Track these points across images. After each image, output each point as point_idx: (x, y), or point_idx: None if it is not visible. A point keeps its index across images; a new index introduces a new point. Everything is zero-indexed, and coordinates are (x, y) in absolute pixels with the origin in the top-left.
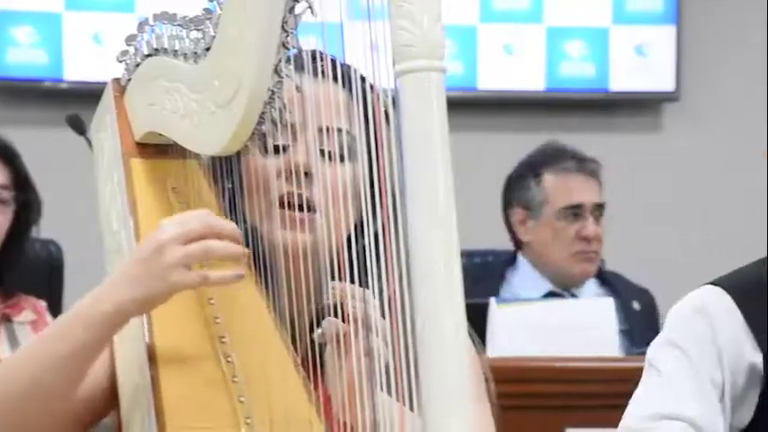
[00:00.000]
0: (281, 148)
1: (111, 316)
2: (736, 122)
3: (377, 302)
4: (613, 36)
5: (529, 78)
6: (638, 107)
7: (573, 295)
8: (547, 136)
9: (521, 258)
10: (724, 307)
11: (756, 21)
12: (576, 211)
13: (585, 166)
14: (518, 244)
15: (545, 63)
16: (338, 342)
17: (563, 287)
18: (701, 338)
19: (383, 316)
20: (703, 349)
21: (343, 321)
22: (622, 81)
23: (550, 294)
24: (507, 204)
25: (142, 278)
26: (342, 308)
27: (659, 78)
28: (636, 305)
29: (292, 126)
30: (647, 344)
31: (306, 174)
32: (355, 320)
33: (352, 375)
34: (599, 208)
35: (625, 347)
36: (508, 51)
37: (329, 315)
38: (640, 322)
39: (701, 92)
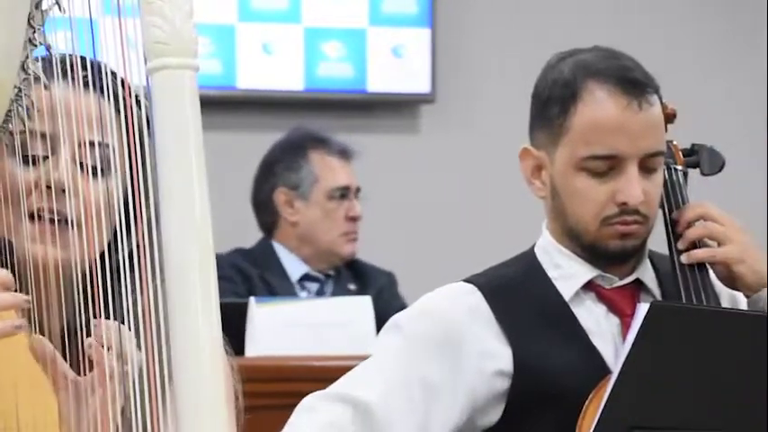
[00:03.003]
0: (32, 159)
1: None
2: (490, 124)
3: (131, 319)
4: (370, 37)
5: (288, 78)
6: (396, 108)
7: (327, 275)
8: (321, 130)
9: (275, 247)
10: (474, 304)
11: (509, 22)
12: (343, 192)
13: (346, 150)
14: (270, 229)
15: (303, 63)
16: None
17: (321, 269)
18: (431, 336)
19: (136, 328)
20: (429, 347)
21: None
22: (380, 82)
23: (306, 277)
24: (269, 186)
25: None
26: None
27: (415, 80)
28: (352, 286)
29: (46, 137)
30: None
31: (62, 190)
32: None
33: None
34: (358, 191)
35: None
36: (267, 51)
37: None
38: None
39: (456, 93)
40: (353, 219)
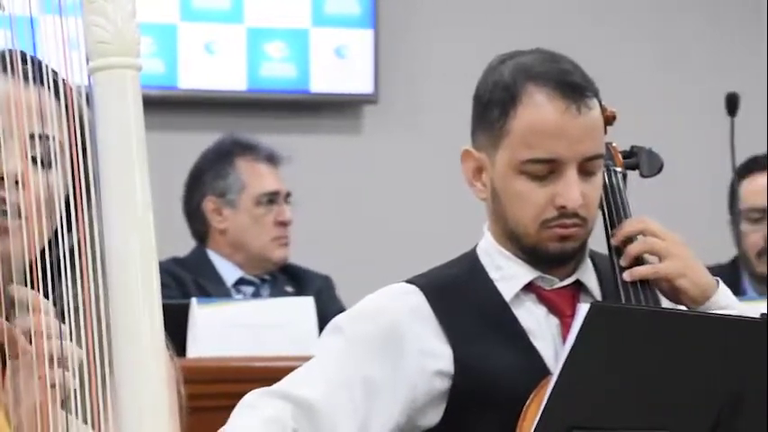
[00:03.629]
0: None
1: None
2: (433, 125)
3: (71, 312)
4: (313, 38)
5: (230, 78)
6: (339, 109)
7: (263, 280)
8: (250, 136)
9: (209, 253)
10: (415, 304)
11: (452, 23)
12: (272, 198)
13: (273, 155)
14: (202, 238)
15: (246, 63)
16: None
17: (256, 274)
18: (373, 335)
19: (77, 322)
20: (370, 347)
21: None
22: (323, 83)
23: (241, 281)
24: (198, 195)
25: None
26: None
27: (358, 81)
28: (288, 289)
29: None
30: None
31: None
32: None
33: (35, 404)
34: (288, 196)
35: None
36: (209, 51)
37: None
38: None
39: (398, 94)
40: (283, 224)
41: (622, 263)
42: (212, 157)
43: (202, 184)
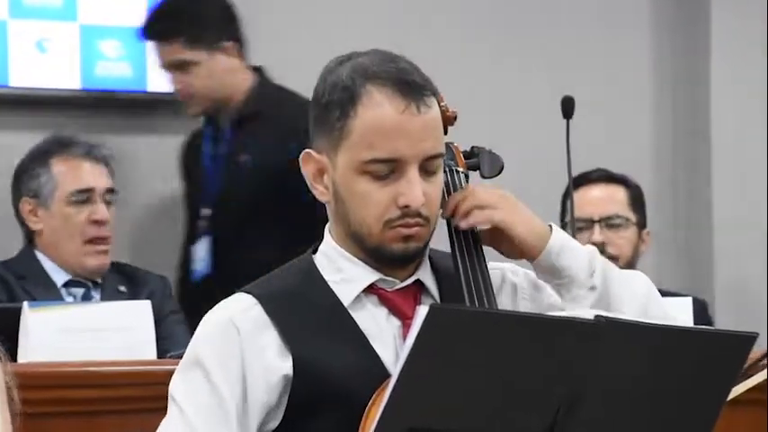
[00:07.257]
0: None
1: None
2: None
3: None
4: None
5: (64, 77)
6: (176, 109)
7: (94, 283)
8: (85, 136)
9: (37, 254)
10: (254, 316)
11: (296, 26)
12: (86, 196)
13: (93, 151)
14: (30, 238)
15: (80, 62)
16: None
17: (80, 276)
18: (226, 353)
19: None
20: (228, 365)
21: None
22: (160, 82)
23: (71, 283)
24: (17, 197)
25: None
26: None
27: None
28: (122, 288)
29: None
30: None
31: None
32: None
33: None
34: (110, 192)
35: None
36: (41, 49)
37: None
38: None
39: None
40: (97, 222)
41: (455, 221)
42: (29, 157)
43: (20, 185)
